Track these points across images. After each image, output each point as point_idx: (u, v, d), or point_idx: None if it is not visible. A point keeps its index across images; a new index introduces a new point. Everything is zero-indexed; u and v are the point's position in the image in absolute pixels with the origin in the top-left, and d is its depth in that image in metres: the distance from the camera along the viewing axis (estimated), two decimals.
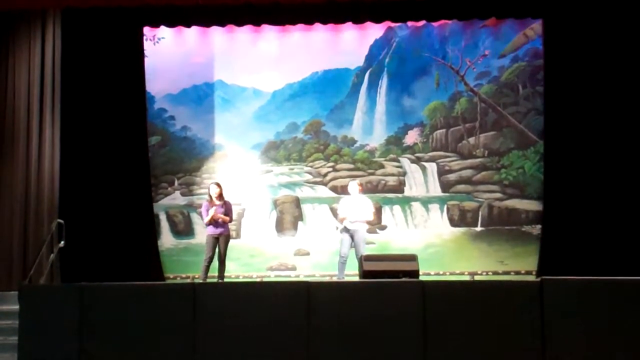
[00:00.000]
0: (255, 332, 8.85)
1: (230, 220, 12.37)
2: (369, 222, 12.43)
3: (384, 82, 14.33)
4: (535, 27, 14.02)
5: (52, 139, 13.13)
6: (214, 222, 12.06)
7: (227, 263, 12.22)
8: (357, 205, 12.22)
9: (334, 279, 12.58)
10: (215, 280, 11.86)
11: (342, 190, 13.63)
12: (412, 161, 14.15)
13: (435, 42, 14.26)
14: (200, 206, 12.78)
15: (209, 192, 12.24)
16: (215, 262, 12.06)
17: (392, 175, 14.13)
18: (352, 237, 12.06)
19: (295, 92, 14.38)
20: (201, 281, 11.87)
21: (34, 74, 13.16)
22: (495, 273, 13.49)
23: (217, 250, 12.07)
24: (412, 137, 14.18)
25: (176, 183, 14.27)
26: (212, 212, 12.00)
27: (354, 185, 12.43)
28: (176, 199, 14.25)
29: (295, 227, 14.12)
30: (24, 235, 12.82)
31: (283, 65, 14.35)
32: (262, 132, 14.35)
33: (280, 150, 14.31)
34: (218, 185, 12.29)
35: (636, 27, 13.12)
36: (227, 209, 12.22)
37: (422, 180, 14.11)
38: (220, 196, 12.19)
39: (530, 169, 13.90)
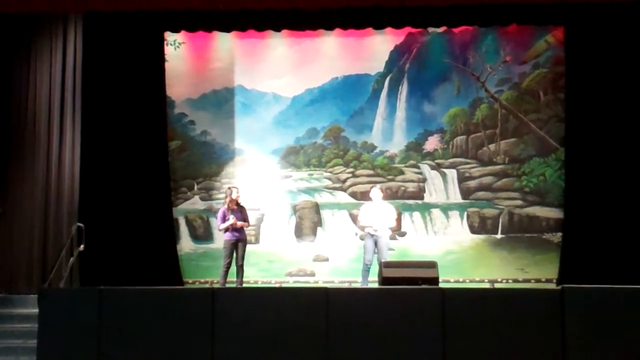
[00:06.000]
0: (274, 338, 8.85)
1: (249, 225, 12.39)
2: (391, 229, 12.34)
3: (404, 88, 14.29)
4: (557, 34, 13.96)
5: (72, 142, 13.16)
6: (230, 228, 12.06)
7: (246, 268, 12.22)
8: (380, 211, 12.15)
9: (353, 285, 12.55)
10: (234, 285, 11.85)
11: (362, 196, 13.61)
12: (432, 167, 14.09)
13: (455, 48, 14.21)
14: (218, 211, 12.76)
15: (229, 196, 12.19)
16: (234, 267, 12.06)
17: (412, 181, 14.09)
18: (375, 243, 11.98)
19: (315, 97, 14.36)
20: (220, 286, 11.86)
21: (55, 77, 13.20)
22: (515, 281, 13.42)
23: (235, 255, 12.07)
24: (432, 143, 14.13)
25: (196, 187, 14.28)
26: (231, 220, 11.99)
27: (376, 191, 12.32)
28: (195, 203, 14.26)
29: (314, 233, 14.09)
30: (44, 238, 12.86)
31: (303, 70, 14.34)
32: (282, 137, 14.34)
33: (299, 156, 14.30)
34: (237, 190, 12.30)
35: None
36: (245, 214, 12.22)
37: (442, 187, 14.05)
38: (238, 201, 12.20)
39: (551, 176, 13.81)
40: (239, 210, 12.15)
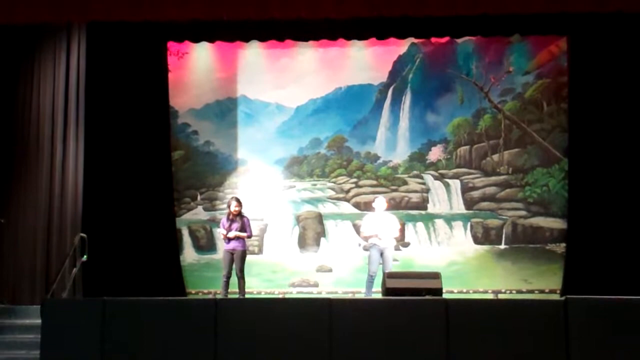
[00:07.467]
0: (277, 349, 8.83)
1: (249, 236, 12.23)
2: (395, 239, 12.33)
3: (407, 98, 14.29)
4: (560, 44, 13.96)
5: (75, 152, 13.13)
6: (225, 238, 12.02)
7: (249, 279, 12.16)
8: (384, 222, 12.14)
9: (357, 295, 12.52)
10: (236, 296, 11.82)
11: (365, 207, 13.61)
12: (436, 178, 14.08)
13: (459, 58, 14.22)
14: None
15: (229, 207, 12.16)
16: (235, 278, 12.01)
17: (416, 191, 14.08)
18: (381, 254, 11.97)
19: (318, 107, 14.37)
20: (222, 297, 11.82)
21: (58, 87, 13.17)
22: (519, 291, 13.39)
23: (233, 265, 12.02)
24: (435, 153, 14.12)
25: (199, 198, 14.28)
26: (231, 234, 11.94)
27: (381, 202, 12.32)
28: (199, 213, 14.25)
29: (317, 243, 14.07)
30: (47, 248, 12.80)
31: (306, 80, 14.35)
32: (285, 148, 14.34)
33: (303, 166, 14.29)
34: (237, 201, 12.22)
35: None
36: (244, 225, 12.09)
37: (445, 197, 14.04)
38: (239, 212, 12.13)
39: (555, 186, 13.80)
40: (238, 221, 12.05)
